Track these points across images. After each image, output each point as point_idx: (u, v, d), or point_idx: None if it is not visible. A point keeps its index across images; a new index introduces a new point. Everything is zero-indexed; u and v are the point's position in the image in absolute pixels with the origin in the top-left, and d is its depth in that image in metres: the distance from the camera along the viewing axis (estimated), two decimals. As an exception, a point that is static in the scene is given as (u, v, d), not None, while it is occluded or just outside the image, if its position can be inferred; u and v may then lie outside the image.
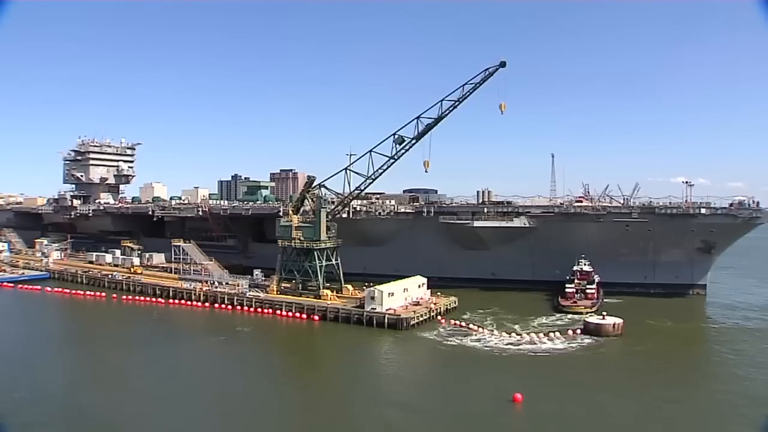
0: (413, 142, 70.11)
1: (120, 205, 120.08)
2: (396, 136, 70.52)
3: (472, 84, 68.16)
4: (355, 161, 72.94)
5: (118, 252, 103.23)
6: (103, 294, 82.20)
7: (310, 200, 73.83)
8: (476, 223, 77.82)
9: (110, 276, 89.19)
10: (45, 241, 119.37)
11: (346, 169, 73.14)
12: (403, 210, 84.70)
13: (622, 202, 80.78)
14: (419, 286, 69.07)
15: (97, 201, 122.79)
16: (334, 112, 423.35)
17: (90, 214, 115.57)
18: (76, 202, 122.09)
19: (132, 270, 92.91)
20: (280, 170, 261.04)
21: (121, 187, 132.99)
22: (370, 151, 71.38)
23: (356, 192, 74.19)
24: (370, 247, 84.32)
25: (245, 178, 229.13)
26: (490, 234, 78.02)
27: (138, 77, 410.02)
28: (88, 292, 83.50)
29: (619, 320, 57.20)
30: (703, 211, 71.81)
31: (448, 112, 69.00)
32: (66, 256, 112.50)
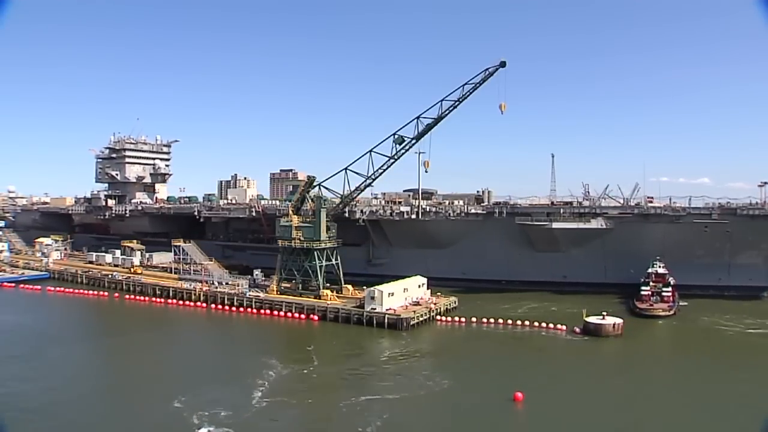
0: (413, 142, 70.25)
1: (161, 205, 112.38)
2: (396, 136, 70.65)
3: (472, 84, 68.33)
4: (355, 161, 73.03)
5: (118, 252, 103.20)
6: (105, 294, 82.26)
7: (309, 200, 73.94)
8: (555, 225, 75.24)
9: (110, 276, 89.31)
10: (45, 241, 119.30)
11: (345, 169, 73.26)
12: (473, 211, 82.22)
13: (621, 201, 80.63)
14: (419, 286, 69.12)
15: (133, 201, 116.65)
16: (334, 112, 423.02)
17: (127, 215, 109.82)
18: (110, 202, 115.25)
19: (132, 270, 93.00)
20: (280, 170, 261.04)
21: (157, 186, 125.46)
22: (370, 151, 71.51)
23: (356, 192, 74.14)
24: (434, 250, 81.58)
25: (244, 178, 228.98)
26: (565, 235, 75.95)
27: (134, 76, 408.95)
28: (89, 292, 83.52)
29: (619, 320, 57.21)
30: None
31: (448, 112, 69.16)
32: (66, 256, 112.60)
